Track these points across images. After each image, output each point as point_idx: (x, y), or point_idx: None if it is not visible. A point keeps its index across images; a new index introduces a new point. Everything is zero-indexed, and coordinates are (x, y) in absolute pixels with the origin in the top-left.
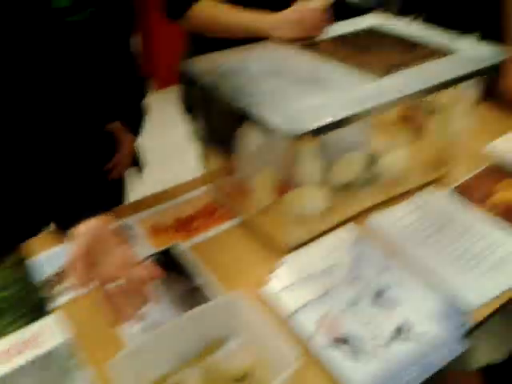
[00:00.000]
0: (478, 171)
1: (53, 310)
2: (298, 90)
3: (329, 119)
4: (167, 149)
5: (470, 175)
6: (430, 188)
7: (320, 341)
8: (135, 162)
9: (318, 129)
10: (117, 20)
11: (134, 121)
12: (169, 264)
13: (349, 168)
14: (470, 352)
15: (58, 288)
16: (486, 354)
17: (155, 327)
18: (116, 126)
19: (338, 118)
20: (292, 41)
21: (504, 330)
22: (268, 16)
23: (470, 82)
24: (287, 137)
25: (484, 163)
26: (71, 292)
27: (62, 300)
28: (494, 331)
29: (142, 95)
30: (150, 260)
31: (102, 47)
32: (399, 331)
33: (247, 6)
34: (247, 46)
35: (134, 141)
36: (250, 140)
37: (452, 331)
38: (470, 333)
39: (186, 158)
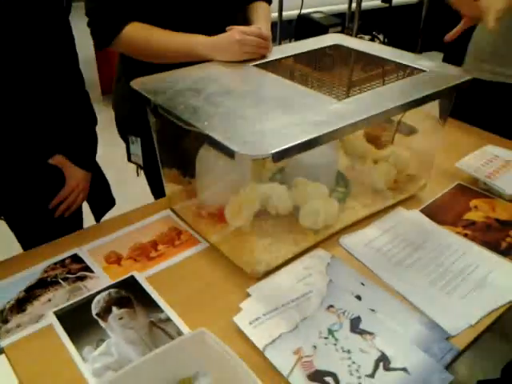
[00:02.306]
0: (447, 190)
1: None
2: (256, 112)
3: (291, 143)
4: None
5: (440, 194)
6: (399, 208)
7: (296, 378)
8: (100, 200)
9: (279, 152)
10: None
11: (80, 155)
12: (128, 297)
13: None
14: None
15: (3, 327)
16: (477, 374)
17: (119, 364)
18: (59, 159)
19: (300, 141)
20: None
21: (493, 348)
22: (205, 39)
23: (437, 101)
24: (248, 160)
25: (454, 181)
26: (19, 331)
27: (8, 341)
28: (482, 349)
29: (89, 128)
30: (106, 293)
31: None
32: (381, 362)
33: (178, 29)
34: (197, 66)
35: (84, 176)
36: (210, 161)
37: (436, 360)
38: (454, 360)
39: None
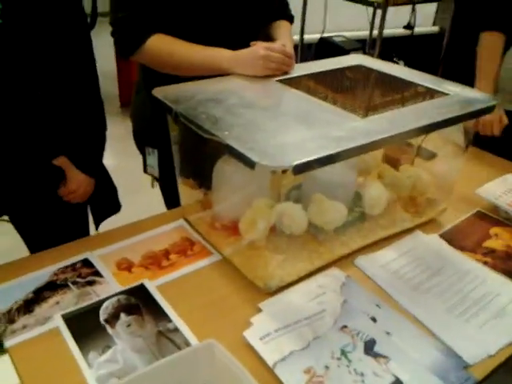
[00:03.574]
0: (467, 216)
1: (2, 352)
2: (277, 125)
3: (312, 157)
4: (138, 180)
5: (459, 220)
6: (418, 232)
7: None
8: (103, 204)
9: (299, 165)
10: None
11: (84, 159)
12: (137, 304)
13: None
14: None
15: (9, 327)
16: None
17: (124, 372)
18: (62, 161)
19: (322, 155)
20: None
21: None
22: (230, 53)
23: (458, 126)
24: (268, 172)
25: (473, 208)
26: (25, 332)
27: (12, 341)
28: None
29: (97, 134)
30: (115, 299)
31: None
32: None
33: (202, 43)
34: (219, 78)
35: (85, 180)
36: (228, 173)
37: None
38: None
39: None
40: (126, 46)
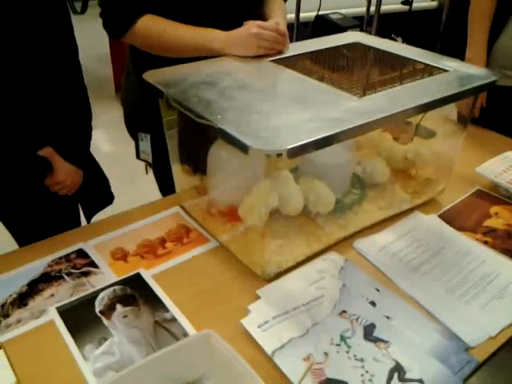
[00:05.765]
0: (466, 195)
1: None
2: (271, 107)
3: (307, 139)
4: (133, 167)
5: (459, 200)
6: (417, 213)
7: None
8: (95, 197)
9: (294, 148)
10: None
11: (70, 149)
12: (133, 295)
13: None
14: None
15: (3, 322)
16: None
17: (121, 365)
18: (48, 151)
19: (317, 137)
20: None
21: (508, 360)
22: (221, 33)
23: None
24: (262, 156)
25: (473, 187)
26: (19, 327)
27: (7, 336)
28: (497, 362)
29: (83, 123)
30: (111, 290)
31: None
32: (395, 372)
33: (193, 23)
34: (211, 60)
35: (72, 171)
36: (223, 158)
37: (454, 372)
38: (473, 373)
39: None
40: (116, 27)
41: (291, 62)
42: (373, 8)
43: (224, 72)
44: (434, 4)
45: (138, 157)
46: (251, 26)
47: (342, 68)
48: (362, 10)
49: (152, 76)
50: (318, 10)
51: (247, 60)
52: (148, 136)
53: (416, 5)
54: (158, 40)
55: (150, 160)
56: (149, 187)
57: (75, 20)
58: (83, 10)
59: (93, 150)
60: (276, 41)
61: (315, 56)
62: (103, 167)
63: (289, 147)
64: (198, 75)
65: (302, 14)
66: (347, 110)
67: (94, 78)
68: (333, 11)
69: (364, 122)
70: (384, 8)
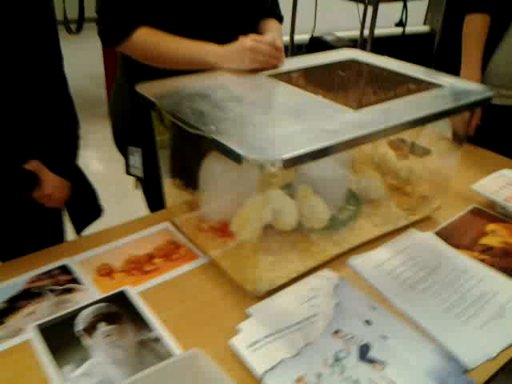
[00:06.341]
0: (463, 213)
1: None
2: (266, 119)
3: (302, 150)
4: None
5: (455, 217)
6: (413, 230)
7: None
8: (83, 210)
9: (289, 159)
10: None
11: (57, 161)
12: (118, 313)
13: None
14: None
15: None
16: None
17: None
18: (34, 164)
19: (313, 148)
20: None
21: None
22: (216, 47)
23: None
24: (256, 169)
25: (469, 204)
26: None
27: None
28: None
29: (69, 133)
30: (94, 307)
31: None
32: None
33: (190, 37)
34: (206, 73)
35: (60, 183)
36: (216, 172)
37: None
38: None
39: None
40: (112, 36)
41: (286, 77)
42: (366, 31)
43: (218, 85)
44: (427, 28)
45: (127, 172)
46: (246, 40)
47: (337, 83)
48: (356, 33)
49: (144, 87)
50: (313, 31)
51: (242, 74)
52: (139, 150)
53: (409, 29)
54: (153, 52)
55: (141, 174)
56: (141, 206)
57: (70, 40)
58: (78, 30)
59: (85, 168)
60: (271, 55)
61: (311, 71)
62: (95, 185)
63: (284, 157)
64: (191, 87)
65: (296, 36)
66: (343, 122)
67: (88, 97)
68: (327, 32)
69: (360, 133)
70: (378, 31)
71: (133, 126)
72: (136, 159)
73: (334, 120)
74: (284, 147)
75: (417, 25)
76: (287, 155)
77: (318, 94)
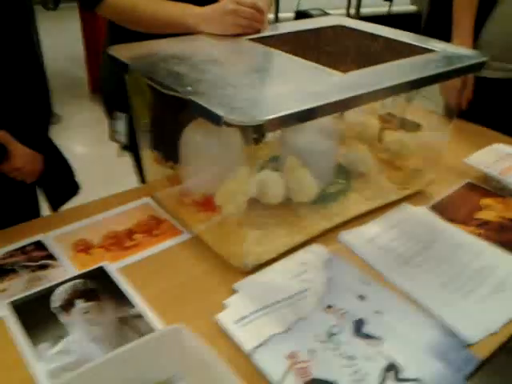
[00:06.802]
0: (457, 187)
1: None
2: (248, 81)
3: (286, 111)
4: (112, 168)
5: (449, 192)
6: (405, 205)
7: None
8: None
9: (272, 120)
10: None
11: (27, 132)
12: (95, 289)
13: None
14: None
15: None
16: None
17: (79, 365)
18: (2, 135)
19: (297, 110)
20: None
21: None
22: (196, 9)
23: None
24: (240, 128)
25: (463, 179)
26: None
27: None
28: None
29: (39, 103)
30: (70, 284)
31: None
32: (390, 371)
33: None
34: (185, 37)
35: (32, 157)
36: (197, 142)
37: (455, 370)
38: (475, 372)
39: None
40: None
41: (270, 41)
42: (352, 10)
43: (198, 48)
44: (413, 8)
45: (111, 138)
46: (227, 2)
47: (324, 48)
48: (343, 11)
49: (118, 50)
50: (297, 7)
51: (223, 38)
52: (124, 115)
53: (396, 8)
54: (131, 13)
55: (124, 140)
56: (127, 188)
57: (47, 17)
58: (55, 6)
59: (67, 150)
60: (254, 18)
61: (297, 36)
62: (77, 168)
63: (266, 119)
64: (168, 50)
65: (280, 14)
66: (330, 85)
67: (68, 78)
68: (314, 7)
69: (348, 95)
70: (364, 11)
71: (119, 91)
72: (120, 125)
73: (321, 82)
74: (268, 108)
75: (404, 4)
76: (271, 116)
77: (305, 57)
